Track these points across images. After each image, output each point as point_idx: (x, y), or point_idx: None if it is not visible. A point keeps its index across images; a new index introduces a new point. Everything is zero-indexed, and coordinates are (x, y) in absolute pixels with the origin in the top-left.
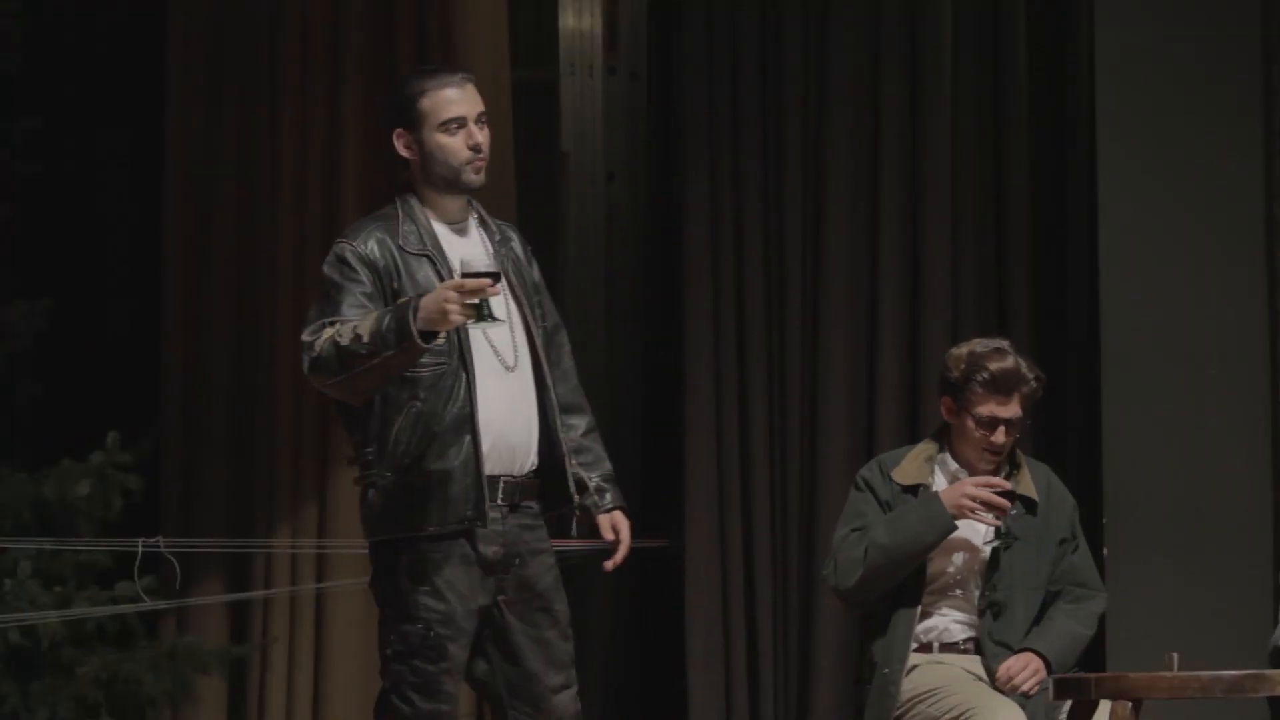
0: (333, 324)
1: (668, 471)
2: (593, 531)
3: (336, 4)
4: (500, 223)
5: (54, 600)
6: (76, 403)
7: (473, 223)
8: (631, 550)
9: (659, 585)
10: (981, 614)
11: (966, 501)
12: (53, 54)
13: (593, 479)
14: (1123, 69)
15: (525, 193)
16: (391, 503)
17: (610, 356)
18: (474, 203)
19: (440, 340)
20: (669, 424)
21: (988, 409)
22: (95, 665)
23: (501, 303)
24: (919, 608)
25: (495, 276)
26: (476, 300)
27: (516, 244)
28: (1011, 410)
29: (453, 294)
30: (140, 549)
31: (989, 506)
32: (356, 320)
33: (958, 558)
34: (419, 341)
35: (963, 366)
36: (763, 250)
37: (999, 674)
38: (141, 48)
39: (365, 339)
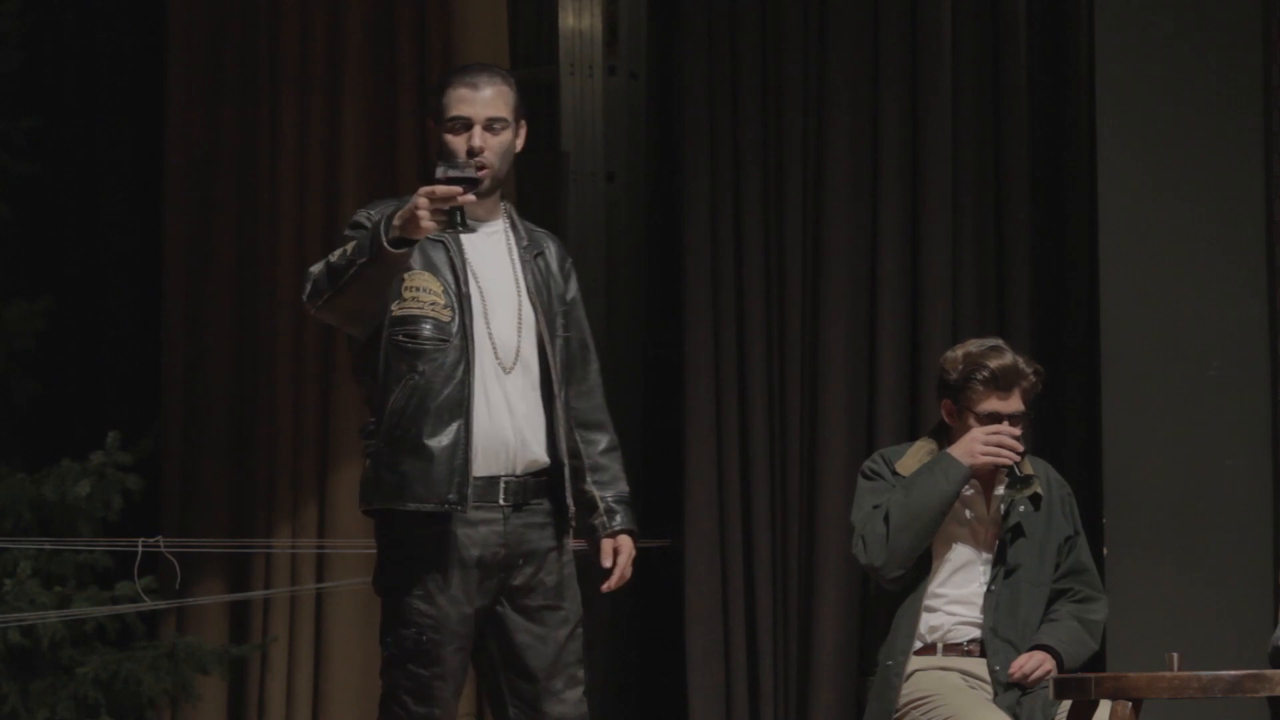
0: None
1: (668, 471)
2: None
3: (336, 4)
4: (538, 231)
5: (54, 600)
6: (76, 403)
7: (499, 224)
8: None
9: (659, 585)
10: (985, 608)
11: (978, 446)
12: (53, 53)
13: (605, 499)
14: (1123, 69)
15: (525, 193)
16: (380, 473)
17: (610, 356)
18: (506, 205)
19: (407, 251)
20: (669, 424)
21: (989, 405)
22: (95, 665)
23: (512, 293)
24: (923, 601)
25: (468, 183)
26: (447, 207)
27: (552, 256)
28: (1013, 405)
29: (423, 200)
30: (140, 549)
31: (1001, 448)
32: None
33: (963, 551)
34: (388, 247)
35: (960, 367)
36: (763, 250)
37: (1012, 669)
38: (141, 47)
39: (349, 252)
